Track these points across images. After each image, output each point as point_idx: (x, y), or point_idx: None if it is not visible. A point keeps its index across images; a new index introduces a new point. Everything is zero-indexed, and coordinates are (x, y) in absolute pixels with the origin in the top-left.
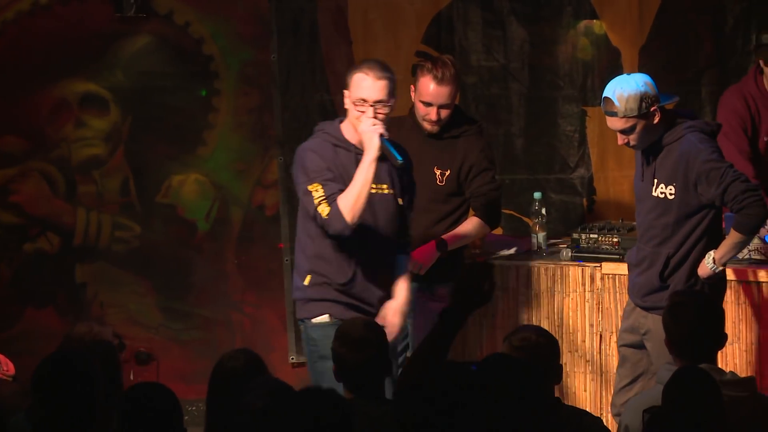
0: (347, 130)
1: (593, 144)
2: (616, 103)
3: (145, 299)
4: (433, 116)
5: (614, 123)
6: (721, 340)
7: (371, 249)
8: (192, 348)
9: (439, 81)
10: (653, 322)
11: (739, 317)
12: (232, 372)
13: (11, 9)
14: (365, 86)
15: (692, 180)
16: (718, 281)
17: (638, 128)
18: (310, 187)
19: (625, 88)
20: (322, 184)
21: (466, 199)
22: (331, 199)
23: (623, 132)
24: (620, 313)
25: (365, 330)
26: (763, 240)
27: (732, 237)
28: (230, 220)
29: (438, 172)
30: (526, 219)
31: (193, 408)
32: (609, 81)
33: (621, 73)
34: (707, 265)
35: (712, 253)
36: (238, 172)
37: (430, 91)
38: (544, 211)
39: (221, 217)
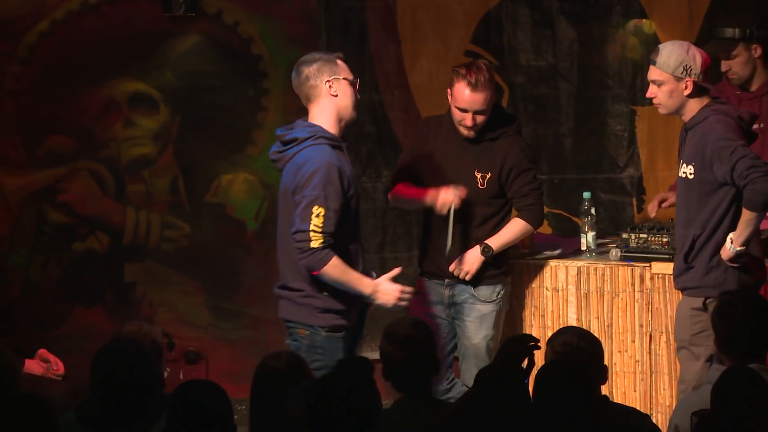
0: (328, 125)
1: (643, 144)
2: (660, 52)
3: (194, 298)
4: (469, 122)
5: (651, 71)
6: None
7: (360, 250)
8: (241, 347)
9: (474, 87)
10: (680, 301)
11: None
12: (272, 372)
13: (61, 9)
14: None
15: (708, 159)
16: (747, 264)
17: (665, 87)
18: (315, 208)
19: (675, 46)
20: (325, 213)
21: (509, 200)
22: (326, 237)
23: (653, 82)
24: (670, 313)
25: (413, 329)
26: None
27: (744, 215)
28: None
29: (479, 176)
30: (575, 219)
31: (243, 407)
32: None
33: None
34: (727, 247)
35: (731, 234)
36: None
37: (465, 98)
38: (593, 210)
39: (270, 216)
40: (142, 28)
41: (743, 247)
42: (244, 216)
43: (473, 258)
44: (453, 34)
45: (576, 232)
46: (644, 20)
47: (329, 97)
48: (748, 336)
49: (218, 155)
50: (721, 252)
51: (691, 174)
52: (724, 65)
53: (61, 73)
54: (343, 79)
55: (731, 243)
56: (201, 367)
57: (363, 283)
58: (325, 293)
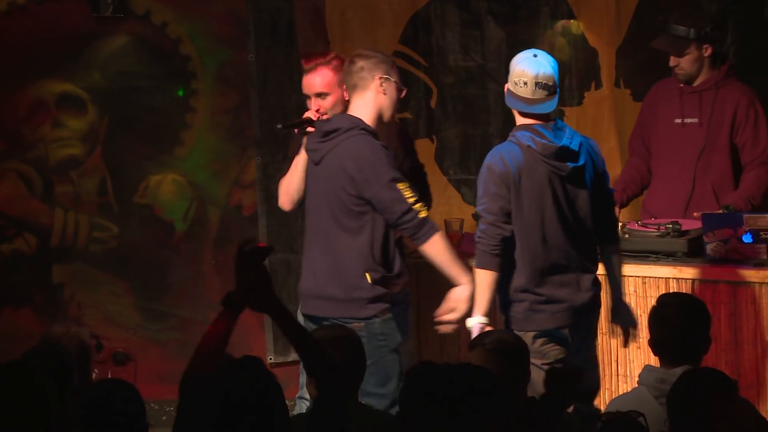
0: (367, 119)
1: None
2: None
3: (122, 300)
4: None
5: None
6: (703, 342)
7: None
8: (170, 348)
9: (309, 70)
10: None
11: (716, 317)
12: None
13: None
14: None
15: None
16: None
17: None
18: (398, 185)
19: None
20: (408, 184)
21: None
22: (423, 203)
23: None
24: (605, 313)
25: (344, 331)
26: (740, 239)
27: (476, 276)
28: (208, 220)
29: None
30: None
31: (171, 408)
32: (585, 81)
33: (598, 73)
34: (468, 325)
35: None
36: (216, 173)
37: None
38: None
39: (199, 217)
40: (70, 28)
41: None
42: (173, 217)
43: None
44: (382, 35)
45: None
46: (572, 21)
47: (377, 93)
48: (682, 339)
49: (146, 156)
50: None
51: None
52: (673, 60)
53: None
54: (395, 82)
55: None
56: (129, 368)
57: (462, 271)
58: (369, 281)
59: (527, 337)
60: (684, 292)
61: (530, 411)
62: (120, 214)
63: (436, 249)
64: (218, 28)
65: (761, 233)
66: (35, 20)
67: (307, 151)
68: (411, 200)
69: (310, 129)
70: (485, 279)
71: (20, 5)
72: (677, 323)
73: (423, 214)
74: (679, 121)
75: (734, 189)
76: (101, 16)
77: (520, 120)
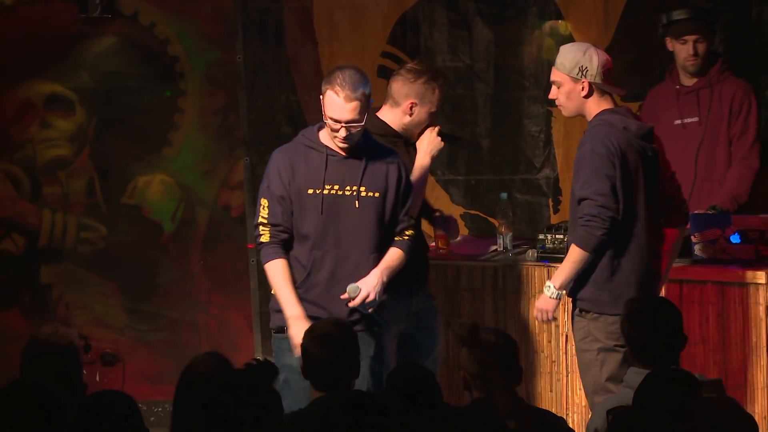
0: (323, 135)
1: (558, 144)
2: (559, 53)
3: (110, 300)
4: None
5: (552, 72)
6: (680, 342)
7: (334, 253)
8: (158, 349)
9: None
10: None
11: (704, 317)
12: (201, 376)
13: None
14: (336, 107)
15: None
16: None
17: (563, 87)
18: (261, 201)
19: (573, 47)
20: (269, 204)
21: None
22: (273, 229)
23: (553, 83)
24: None
25: (334, 328)
26: (728, 240)
27: (572, 254)
28: (196, 221)
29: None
30: (491, 219)
31: (159, 409)
32: None
33: None
34: (547, 294)
35: (548, 282)
36: (204, 173)
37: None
38: (509, 211)
39: (187, 218)
40: (58, 29)
41: (563, 291)
42: (161, 218)
43: None
44: (370, 35)
45: (492, 233)
46: (560, 21)
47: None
48: (658, 341)
49: (135, 157)
50: (539, 303)
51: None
52: (691, 48)
53: None
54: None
55: (551, 288)
56: (117, 369)
57: (287, 303)
58: (273, 292)
59: (607, 319)
60: (652, 295)
61: (520, 410)
62: (108, 214)
63: (268, 275)
64: (206, 28)
65: (749, 233)
66: (23, 21)
67: None
68: (258, 219)
69: None
70: (579, 258)
71: (8, 6)
72: (651, 326)
73: (262, 239)
74: (678, 122)
75: None
76: (89, 17)
77: (598, 108)
